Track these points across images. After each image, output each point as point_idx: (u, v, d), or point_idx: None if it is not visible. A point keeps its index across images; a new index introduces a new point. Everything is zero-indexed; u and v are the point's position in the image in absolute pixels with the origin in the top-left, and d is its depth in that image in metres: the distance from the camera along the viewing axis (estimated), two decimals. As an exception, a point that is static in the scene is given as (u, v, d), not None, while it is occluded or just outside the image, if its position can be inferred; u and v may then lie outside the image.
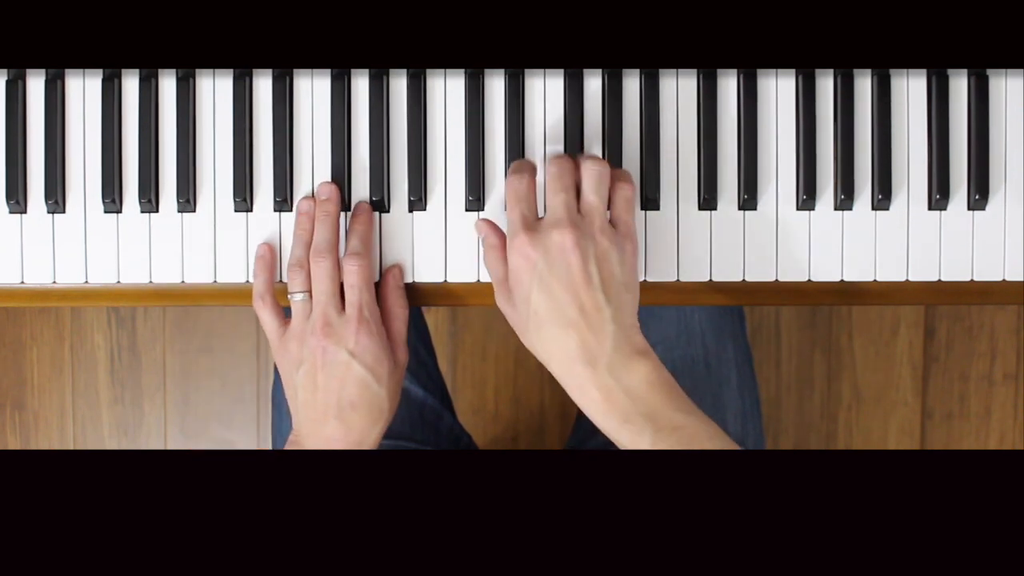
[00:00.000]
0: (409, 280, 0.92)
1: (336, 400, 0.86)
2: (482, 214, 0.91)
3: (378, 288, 0.90)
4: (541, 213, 0.89)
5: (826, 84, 0.92)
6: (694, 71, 0.92)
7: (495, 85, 0.92)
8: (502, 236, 0.88)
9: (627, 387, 0.81)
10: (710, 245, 0.92)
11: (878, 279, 0.92)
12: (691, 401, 0.83)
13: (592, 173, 0.85)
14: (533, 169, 0.88)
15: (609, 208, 0.86)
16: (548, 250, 0.82)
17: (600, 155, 0.90)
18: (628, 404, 0.80)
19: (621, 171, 0.89)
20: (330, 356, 0.86)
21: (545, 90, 0.92)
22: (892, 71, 0.92)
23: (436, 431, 1.14)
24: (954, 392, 1.70)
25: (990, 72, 0.92)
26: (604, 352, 0.81)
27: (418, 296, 0.92)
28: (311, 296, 0.87)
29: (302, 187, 0.91)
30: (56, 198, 0.90)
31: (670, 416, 0.80)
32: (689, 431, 0.80)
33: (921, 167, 0.92)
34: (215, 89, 0.91)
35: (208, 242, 0.91)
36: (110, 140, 0.91)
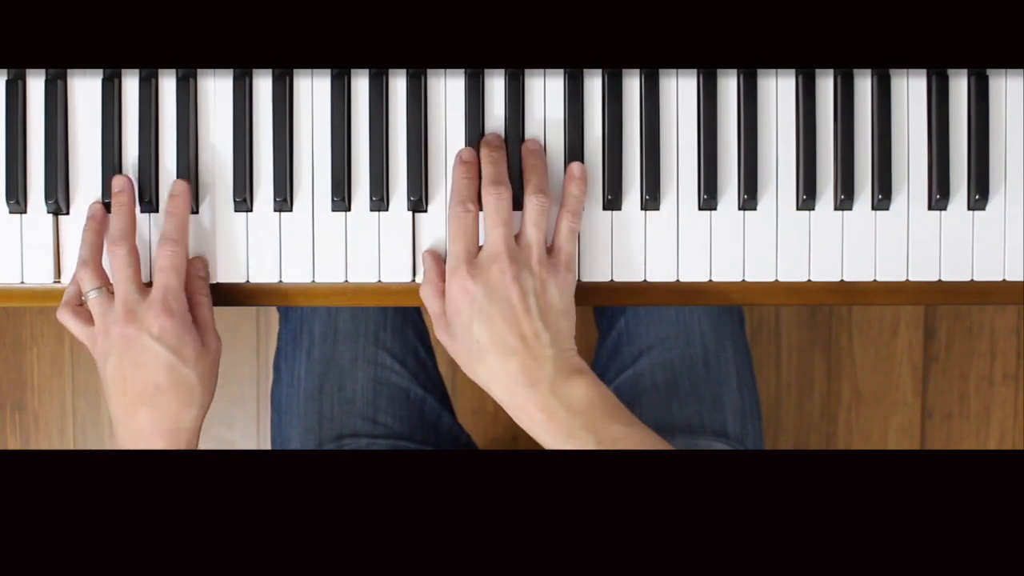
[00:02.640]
0: (410, 280, 0.92)
1: (144, 386, 0.86)
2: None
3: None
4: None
5: (826, 84, 0.92)
6: (694, 71, 0.92)
7: (495, 85, 0.91)
8: (440, 271, 0.89)
9: (568, 404, 0.84)
10: (710, 245, 0.92)
11: (878, 279, 0.92)
12: (631, 414, 0.86)
13: (533, 207, 0.87)
14: (475, 194, 0.88)
15: (554, 233, 0.88)
16: (488, 283, 0.85)
17: (542, 147, 0.90)
18: (570, 420, 0.84)
19: (573, 199, 0.89)
20: (134, 343, 0.85)
21: (545, 90, 0.92)
22: (892, 71, 0.92)
23: (436, 431, 1.13)
24: (954, 392, 1.70)
25: (990, 72, 0.92)
26: (544, 373, 0.84)
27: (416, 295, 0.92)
28: (107, 291, 0.87)
29: (302, 187, 0.91)
30: (56, 198, 0.90)
31: (610, 428, 0.83)
32: (630, 442, 0.83)
33: (921, 167, 0.92)
34: (215, 89, 0.91)
35: (210, 242, 0.91)
36: (110, 140, 0.91)
